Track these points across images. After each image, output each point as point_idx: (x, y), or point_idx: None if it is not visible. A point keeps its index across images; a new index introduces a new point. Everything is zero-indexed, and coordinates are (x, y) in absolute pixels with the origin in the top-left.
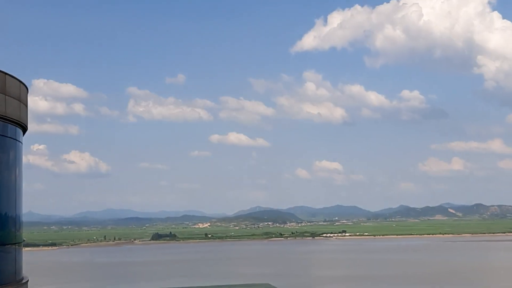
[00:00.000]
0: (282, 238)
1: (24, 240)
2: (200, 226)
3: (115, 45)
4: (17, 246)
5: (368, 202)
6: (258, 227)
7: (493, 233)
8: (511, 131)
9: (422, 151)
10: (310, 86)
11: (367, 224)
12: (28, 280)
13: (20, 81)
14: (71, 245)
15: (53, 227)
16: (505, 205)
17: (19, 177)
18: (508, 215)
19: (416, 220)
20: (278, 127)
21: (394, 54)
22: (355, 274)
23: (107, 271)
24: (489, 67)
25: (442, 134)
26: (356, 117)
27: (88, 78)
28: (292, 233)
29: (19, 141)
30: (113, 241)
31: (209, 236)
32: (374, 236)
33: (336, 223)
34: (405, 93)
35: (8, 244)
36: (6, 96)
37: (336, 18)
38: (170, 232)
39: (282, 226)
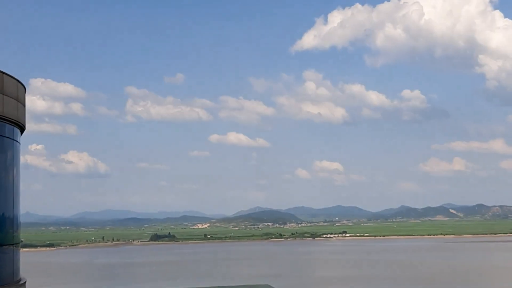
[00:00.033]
0: (282, 239)
1: (21, 241)
2: (199, 227)
3: (113, 44)
4: (14, 247)
5: (368, 203)
6: (258, 227)
7: (495, 233)
8: None
9: (423, 151)
10: (310, 86)
11: (368, 224)
12: (25, 281)
13: (18, 81)
14: (69, 246)
15: (51, 227)
16: (507, 206)
17: (16, 178)
18: (510, 215)
19: (417, 221)
20: (278, 127)
21: (395, 53)
22: (356, 275)
23: (105, 272)
24: (490, 66)
25: (443, 134)
26: (357, 117)
27: (86, 77)
28: (292, 233)
29: (17, 141)
30: (112, 241)
31: (209, 236)
32: (375, 236)
33: (337, 224)
34: (406, 92)
35: (5, 245)
36: (4, 96)
37: (336, 17)
38: (169, 233)
39: (282, 226)
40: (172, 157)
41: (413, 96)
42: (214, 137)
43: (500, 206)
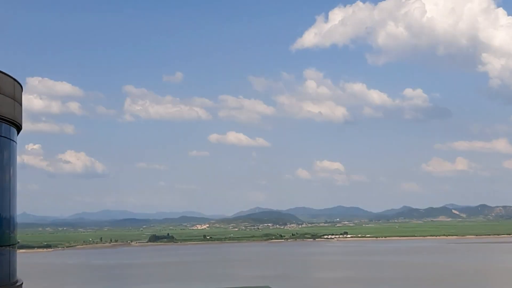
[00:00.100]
0: (282, 240)
1: (18, 242)
2: (199, 228)
3: (112, 42)
4: (11, 248)
5: (370, 203)
6: (258, 228)
7: (498, 234)
8: None
9: (425, 150)
10: (310, 85)
11: (369, 225)
12: (22, 283)
13: (14, 79)
14: (67, 247)
15: (48, 228)
16: (510, 206)
17: (13, 178)
18: None
19: (419, 221)
20: (278, 126)
21: (396, 52)
22: (357, 276)
23: (103, 274)
24: (494, 64)
25: (445, 133)
26: (358, 116)
27: (84, 76)
28: (292, 234)
29: (13, 141)
30: (110, 242)
31: (208, 237)
32: (376, 237)
33: (338, 225)
34: (408, 91)
35: (2, 246)
36: (0, 95)
37: (337, 15)
38: (168, 234)
39: (282, 227)
40: (171, 157)
41: (415, 95)
42: (213, 137)
43: (504, 207)
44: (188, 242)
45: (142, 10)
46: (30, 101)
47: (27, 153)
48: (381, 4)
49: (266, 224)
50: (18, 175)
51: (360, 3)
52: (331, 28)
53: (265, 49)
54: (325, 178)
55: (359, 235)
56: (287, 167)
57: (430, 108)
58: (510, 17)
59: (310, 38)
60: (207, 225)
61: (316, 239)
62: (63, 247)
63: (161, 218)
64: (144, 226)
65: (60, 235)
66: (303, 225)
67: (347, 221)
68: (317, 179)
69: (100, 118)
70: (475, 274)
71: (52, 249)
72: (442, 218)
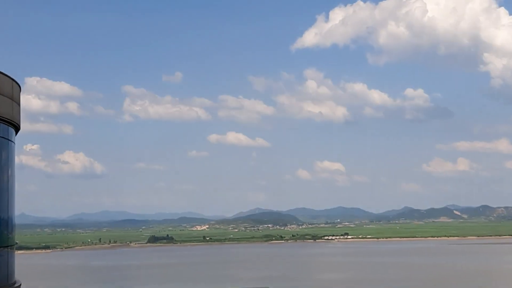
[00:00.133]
0: (283, 241)
1: (16, 243)
2: (198, 229)
3: (111, 42)
4: (9, 249)
5: (371, 204)
6: (258, 229)
7: (500, 235)
8: None
9: (427, 151)
10: (311, 84)
11: (370, 226)
12: (20, 284)
13: (13, 79)
14: (65, 248)
15: (47, 229)
16: None
17: (11, 178)
18: None
19: (420, 222)
20: (278, 126)
21: (397, 52)
22: (358, 277)
23: (102, 275)
24: (495, 64)
25: (447, 133)
26: (359, 116)
27: (82, 76)
28: (292, 235)
29: (12, 141)
30: (108, 243)
31: (208, 238)
32: (377, 238)
33: (338, 226)
34: (409, 91)
35: (0, 247)
36: None
37: (338, 14)
38: (167, 235)
39: (282, 228)
40: (170, 157)
41: (416, 95)
42: (213, 137)
43: (505, 207)
44: (188, 243)
45: (142, 9)
46: (29, 101)
47: (26, 154)
48: (382, 4)
49: (266, 225)
50: (16, 176)
51: (361, 3)
52: (332, 27)
53: (265, 49)
54: (325, 179)
55: (360, 236)
56: (287, 168)
57: (431, 108)
58: (511, 16)
59: (310, 37)
60: (207, 226)
61: (317, 240)
62: (62, 248)
63: (160, 219)
64: (143, 227)
65: (59, 236)
66: (304, 226)
67: (348, 222)
68: (318, 179)
69: (99, 118)
70: (477, 275)
71: (51, 250)
72: (443, 219)
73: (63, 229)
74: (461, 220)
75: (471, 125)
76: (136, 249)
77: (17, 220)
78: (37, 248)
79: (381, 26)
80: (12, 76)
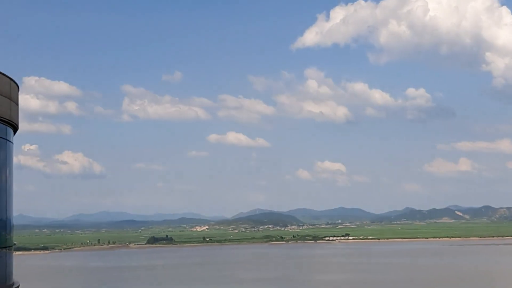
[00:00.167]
0: (283, 242)
1: (14, 244)
2: (198, 229)
3: (110, 41)
4: (7, 250)
5: (372, 204)
6: (258, 230)
7: (502, 236)
8: None
9: (428, 151)
10: (311, 84)
11: (371, 227)
12: (19, 285)
13: (11, 79)
14: (64, 249)
15: (45, 230)
16: None
17: (9, 178)
18: None
19: (422, 223)
20: (279, 126)
21: (399, 51)
22: (359, 278)
23: (101, 276)
24: (497, 64)
25: (449, 133)
26: (360, 116)
27: (81, 75)
28: (293, 236)
29: (10, 141)
30: (107, 244)
31: (207, 239)
32: (379, 239)
33: (339, 226)
34: (411, 91)
35: None
36: None
37: (339, 13)
38: (167, 236)
39: (282, 229)
40: (170, 157)
41: (418, 95)
42: (213, 137)
43: (508, 208)
44: (187, 244)
45: (141, 9)
46: (27, 101)
47: (24, 154)
48: (383, 3)
49: (266, 226)
50: (14, 176)
51: (362, 2)
52: (333, 26)
53: (265, 48)
54: (326, 179)
55: (361, 237)
56: (287, 168)
57: (433, 108)
58: None
59: (311, 37)
60: (207, 227)
61: (317, 241)
62: (60, 249)
63: (159, 220)
64: (143, 228)
65: (57, 237)
66: (304, 227)
67: (349, 223)
68: (318, 180)
69: (98, 118)
70: (479, 276)
71: (49, 251)
72: (445, 220)
73: (61, 230)
74: (463, 220)
75: (473, 125)
76: (135, 250)
77: (15, 221)
78: (35, 249)
79: (382, 25)
80: (10, 76)
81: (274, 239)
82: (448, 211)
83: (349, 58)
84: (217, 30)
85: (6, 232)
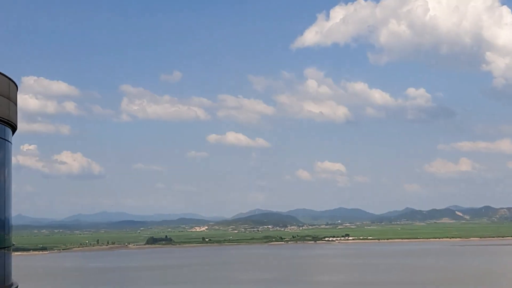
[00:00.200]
0: (283, 242)
1: (13, 244)
2: (197, 230)
3: (108, 41)
4: (6, 251)
5: (372, 205)
6: (258, 230)
7: (503, 236)
8: None
9: (429, 151)
10: (311, 84)
11: (371, 227)
12: (17, 286)
13: (9, 78)
14: (63, 249)
15: (44, 230)
16: None
17: (8, 179)
18: None
19: (422, 224)
20: (279, 126)
21: (399, 51)
22: (359, 279)
23: (100, 277)
24: (498, 64)
25: (449, 133)
26: (360, 116)
27: (80, 75)
28: (293, 236)
29: (8, 141)
30: (107, 245)
31: (207, 240)
32: (379, 240)
33: (339, 227)
34: (411, 91)
35: None
36: None
37: (338, 13)
38: (166, 236)
39: (282, 229)
40: (169, 157)
41: (418, 95)
42: (212, 137)
43: (508, 208)
44: (187, 245)
45: (140, 9)
46: (26, 101)
47: (23, 154)
48: (383, 2)
49: (266, 226)
50: (13, 176)
51: (362, 1)
52: (332, 26)
53: (265, 48)
54: (326, 179)
55: (361, 237)
56: (287, 168)
57: (433, 108)
58: None
59: (311, 36)
60: (206, 227)
61: (317, 242)
62: (59, 249)
63: (159, 220)
64: (142, 228)
65: (56, 237)
66: (304, 227)
67: (349, 223)
68: (318, 180)
69: (97, 118)
70: (479, 277)
71: (48, 251)
72: (445, 220)
73: (60, 230)
74: (463, 221)
75: (473, 125)
76: (135, 251)
77: (14, 221)
78: (34, 250)
79: (382, 24)
80: (9, 75)
81: (273, 239)
82: (448, 212)
83: (349, 58)
84: (217, 30)
85: (4, 233)
